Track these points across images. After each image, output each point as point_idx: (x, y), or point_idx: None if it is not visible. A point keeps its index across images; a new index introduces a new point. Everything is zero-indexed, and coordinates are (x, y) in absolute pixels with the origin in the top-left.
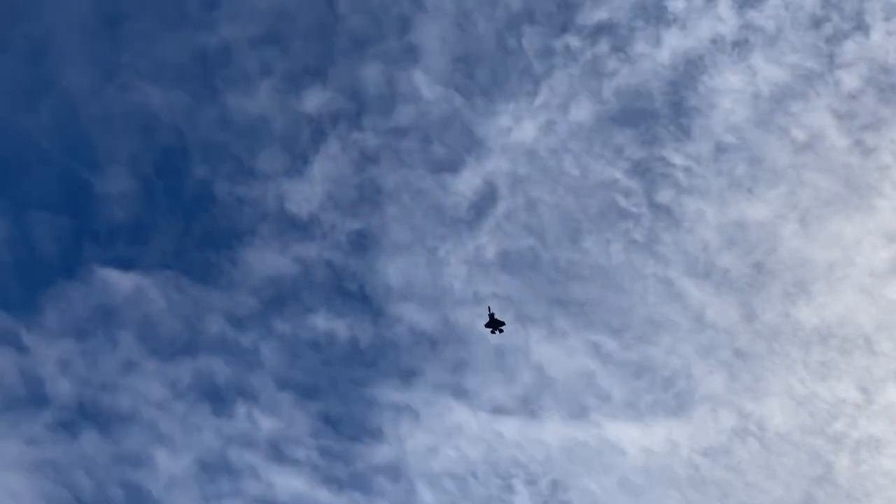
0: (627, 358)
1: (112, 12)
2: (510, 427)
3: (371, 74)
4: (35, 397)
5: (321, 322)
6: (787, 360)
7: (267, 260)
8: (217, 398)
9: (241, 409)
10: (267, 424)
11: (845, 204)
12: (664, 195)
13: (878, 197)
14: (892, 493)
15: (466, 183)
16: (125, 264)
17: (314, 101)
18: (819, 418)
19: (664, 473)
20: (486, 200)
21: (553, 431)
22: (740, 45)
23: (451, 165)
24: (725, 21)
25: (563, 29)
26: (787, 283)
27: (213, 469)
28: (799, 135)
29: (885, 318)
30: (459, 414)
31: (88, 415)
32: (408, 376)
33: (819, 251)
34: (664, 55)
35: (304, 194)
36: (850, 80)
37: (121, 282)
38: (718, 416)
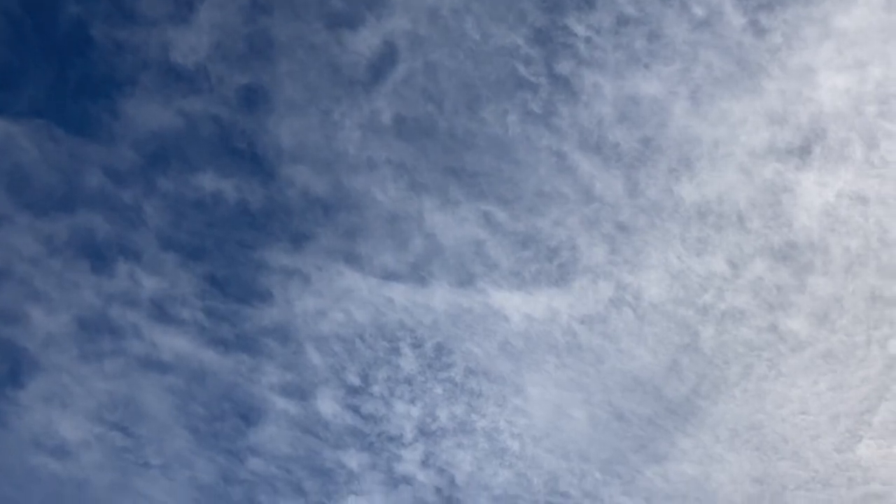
0: (516, 228)
1: None
2: (399, 292)
3: None
4: None
5: (208, 181)
6: (667, 234)
7: (149, 112)
8: (97, 256)
9: (122, 267)
10: (150, 284)
11: (735, 83)
12: (564, 66)
13: (766, 78)
14: (749, 360)
15: (365, 42)
16: None
17: None
18: (690, 290)
19: (544, 339)
20: (384, 61)
21: (441, 297)
22: None
23: (350, 21)
24: None
25: None
26: (672, 160)
27: (94, 327)
28: (698, 11)
29: (758, 197)
30: (350, 279)
31: None
32: (298, 240)
33: (706, 129)
34: None
35: (190, 43)
36: None
37: None
38: (598, 287)
